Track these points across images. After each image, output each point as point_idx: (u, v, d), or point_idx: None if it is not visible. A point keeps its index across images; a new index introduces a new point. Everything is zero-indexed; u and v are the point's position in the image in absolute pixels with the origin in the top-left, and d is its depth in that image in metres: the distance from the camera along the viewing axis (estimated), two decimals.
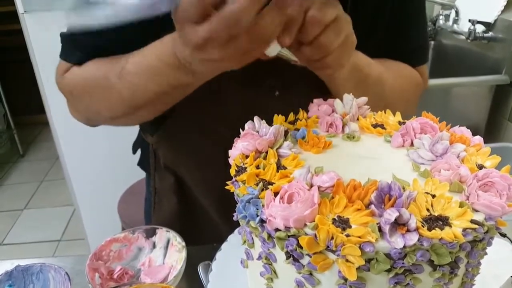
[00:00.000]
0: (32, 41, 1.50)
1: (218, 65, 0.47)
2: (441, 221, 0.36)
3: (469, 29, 1.55)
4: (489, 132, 1.59)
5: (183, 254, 0.59)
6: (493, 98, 1.55)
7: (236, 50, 0.43)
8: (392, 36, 0.70)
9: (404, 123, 0.52)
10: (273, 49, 0.46)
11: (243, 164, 0.45)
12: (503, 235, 0.69)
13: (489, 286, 0.50)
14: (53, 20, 1.46)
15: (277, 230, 0.38)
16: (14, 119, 3.13)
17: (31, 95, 2.31)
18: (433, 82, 1.54)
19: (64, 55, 0.68)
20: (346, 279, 0.36)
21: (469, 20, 1.56)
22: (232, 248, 0.58)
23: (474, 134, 0.49)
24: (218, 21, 0.41)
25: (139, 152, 0.88)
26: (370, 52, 0.65)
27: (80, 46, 0.65)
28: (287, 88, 0.67)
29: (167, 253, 0.63)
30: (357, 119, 0.55)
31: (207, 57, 0.45)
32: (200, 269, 0.57)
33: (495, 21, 1.52)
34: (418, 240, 0.34)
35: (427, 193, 0.39)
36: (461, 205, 0.37)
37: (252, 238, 0.44)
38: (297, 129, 0.52)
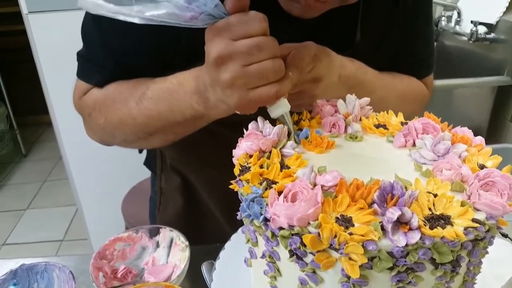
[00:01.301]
0: (36, 41, 1.51)
1: (228, 93, 0.48)
2: (443, 220, 0.36)
3: (471, 30, 1.55)
4: (491, 133, 1.59)
5: (187, 253, 0.60)
6: (495, 99, 1.55)
7: (251, 74, 0.46)
8: (401, 49, 0.72)
9: (406, 123, 0.52)
10: (277, 111, 0.50)
11: (247, 163, 0.46)
12: (505, 236, 0.69)
13: (490, 286, 0.51)
14: (57, 21, 1.47)
15: (280, 228, 0.38)
16: (17, 119, 3.14)
17: (34, 95, 2.32)
18: (435, 83, 1.52)
19: (82, 76, 0.67)
20: (349, 277, 0.36)
21: (471, 22, 1.56)
22: (235, 247, 0.58)
23: (476, 135, 0.50)
24: (249, 42, 0.45)
25: (144, 151, 0.89)
26: (379, 64, 0.66)
27: (100, 67, 0.65)
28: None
29: (170, 252, 0.64)
30: (360, 119, 0.55)
31: (219, 75, 0.47)
32: (204, 268, 0.58)
33: (497, 22, 1.52)
34: (420, 238, 0.34)
35: (429, 192, 0.39)
36: (462, 204, 0.38)
37: (256, 237, 0.45)
38: (300, 129, 0.53)
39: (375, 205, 0.37)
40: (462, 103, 1.65)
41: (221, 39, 0.45)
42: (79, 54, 0.67)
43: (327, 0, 0.49)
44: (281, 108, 0.50)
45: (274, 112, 0.51)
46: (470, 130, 0.50)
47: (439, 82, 1.53)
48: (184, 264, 0.58)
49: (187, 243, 0.61)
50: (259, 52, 0.45)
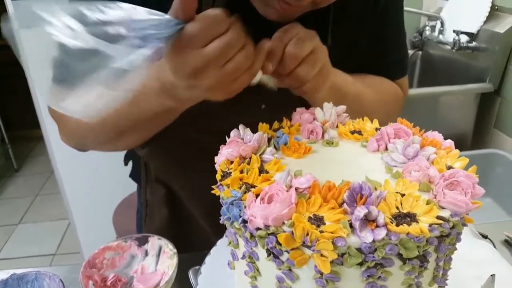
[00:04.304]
0: (27, 56, 1.52)
1: (203, 94, 0.49)
2: (409, 218, 0.38)
3: (454, 39, 1.59)
4: (477, 139, 1.62)
5: (175, 260, 0.61)
6: (479, 106, 1.59)
7: (229, 72, 0.47)
8: (373, 52, 0.73)
9: (379, 129, 0.55)
10: (256, 78, 0.52)
11: (228, 169, 0.48)
12: (485, 237, 0.71)
13: (470, 286, 0.52)
14: (48, 35, 1.48)
15: (258, 229, 0.40)
16: (9, 133, 3.14)
17: (26, 109, 2.33)
18: (420, 91, 1.58)
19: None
20: (322, 273, 0.38)
21: (454, 31, 1.60)
22: (220, 252, 0.60)
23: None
24: (218, 45, 0.45)
25: (130, 164, 0.90)
26: (351, 67, 0.68)
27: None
28: (274, 101, 0.69)
29: (159, 260, 0.65)
30: (337, 126, 0.58)
31: (198, 82, 0.48)
32: (191, 274, 0.59)
33: (478, 31, 1.56)
34: (387, 235, 0.36)
35: (398, 192, 0.42)
36: (428, 202, 0.40)
37: (237, 239, 0.47)
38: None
39: (345, 205, 0.39)
40: (447, 110, 1.68)
41: (189, 51, 0.45)
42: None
43: (298, 4, 0.50)
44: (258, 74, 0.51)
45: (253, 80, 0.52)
46: (441, 134, 0.53)
47: (424, 90, 1.57)
48: (172, 271, 0.59)
49: (175, 250, 0.62)
50: (230, 49, 0.46)
